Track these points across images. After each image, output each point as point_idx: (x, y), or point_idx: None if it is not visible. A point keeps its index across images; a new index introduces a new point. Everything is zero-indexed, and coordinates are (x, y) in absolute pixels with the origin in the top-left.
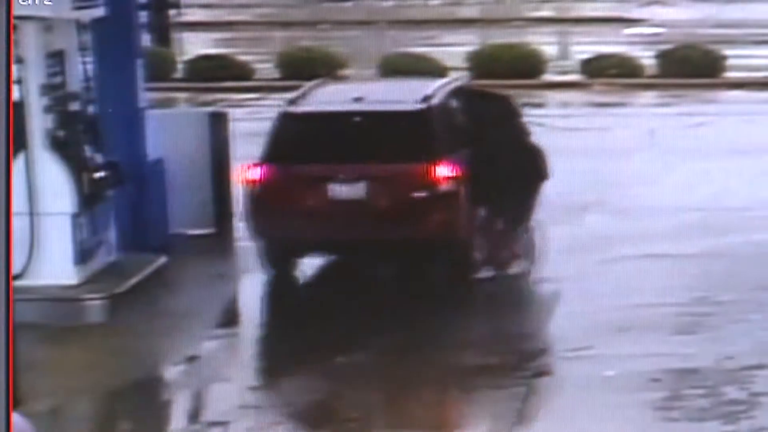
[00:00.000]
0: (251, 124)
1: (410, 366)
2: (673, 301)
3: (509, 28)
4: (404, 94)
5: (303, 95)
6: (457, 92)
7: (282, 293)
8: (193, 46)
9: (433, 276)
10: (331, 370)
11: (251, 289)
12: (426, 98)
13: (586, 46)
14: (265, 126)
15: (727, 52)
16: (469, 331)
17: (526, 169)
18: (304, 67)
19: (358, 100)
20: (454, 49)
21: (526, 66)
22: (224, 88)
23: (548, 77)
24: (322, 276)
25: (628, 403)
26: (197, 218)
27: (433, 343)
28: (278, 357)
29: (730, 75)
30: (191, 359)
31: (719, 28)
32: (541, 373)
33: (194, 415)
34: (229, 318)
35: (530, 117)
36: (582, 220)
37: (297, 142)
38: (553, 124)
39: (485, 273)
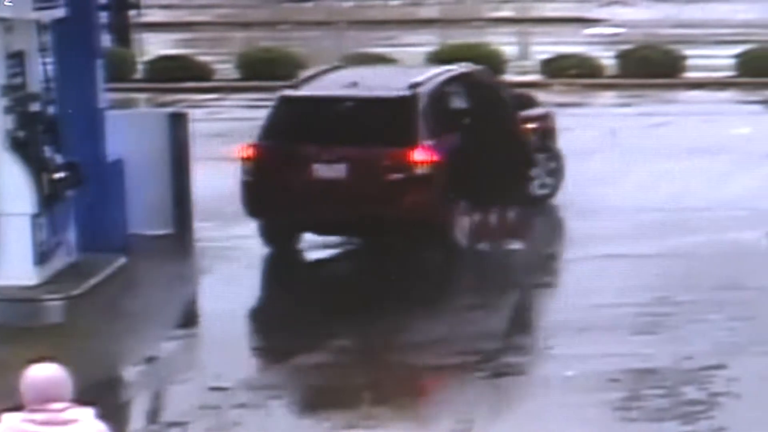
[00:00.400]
0: (211, 125)
1: (360, 364)
2: (632, 302)
3: (469, 28)
4: (397, 81)
5: (307, 80)
6: (458, 79)
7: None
8: (153, 46)
9: (406, 255)
10: (293, 369)
11: (210, 289)
12: (413, 85)
13: (546, 47)
14: (225, 126)
15: (687, 52)
16: (429, 333)
17: (513, 156)
18: (264, 68)
19: (352, 85)
20: (414, 50)
21: (486, 66)
22: (184, 89)
23: (508, 77)
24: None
25: (587, 403)
26: (156, 219)
27: (380, 347)
28: (241, 355)
29: (690, 75)
30: (150, 360)
31: (679, 28)
32: (501, 373)
33: (152, 416)
34: (188, 319)
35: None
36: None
37: (289, 123)
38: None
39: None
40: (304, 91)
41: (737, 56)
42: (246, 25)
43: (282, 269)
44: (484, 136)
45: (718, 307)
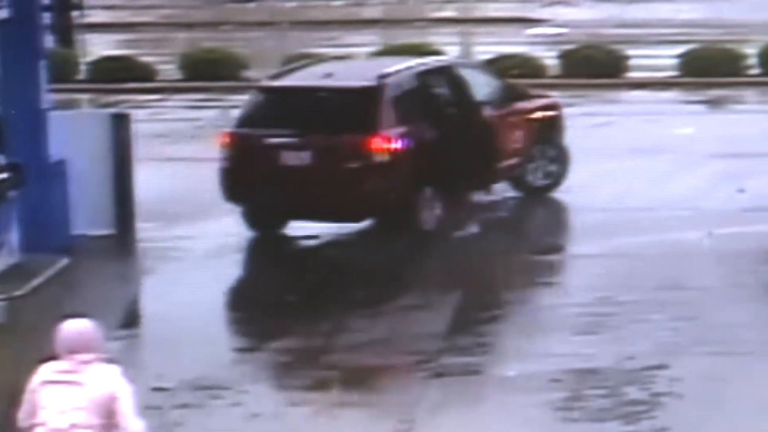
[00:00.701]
0: (154, 125)
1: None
2: (575, 302)
3: (412, 28)
4: (369, 72)
5: (288, 71)
6: (435, 71)
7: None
8: (97, 47)
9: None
10: (236, 369)
11: (152, 289)
12: (381, 76)
13: (488, 47)
14: (168, 126)
15: (630, 52)
16: (368, 333)
17: (479, 146)
18: (207, 68)
19: (326, 76)
20: (357, 50)
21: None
22: (127, 90)
23: None
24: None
25: (528, 403)
26: (99, 219)
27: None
28: (183, 356)
29: (633, 75)
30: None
31: (622, 28)
32: (442, 373)
33: None
34: (130, 319)
35: None
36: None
37: (263, 112)
38: None
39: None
40: (280, 82)
41: (680, 56)
42: (189, 26)
43: (227, 268)
44: (452, 127)
45: (661, 307)
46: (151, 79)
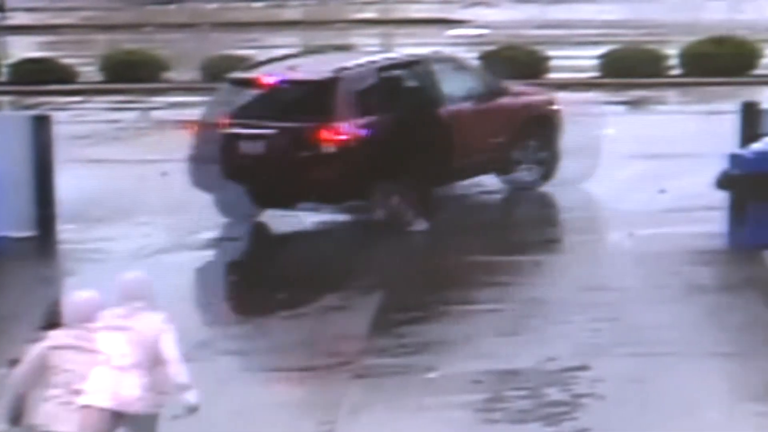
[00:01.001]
0: (75, 127)
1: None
2: (497, 303)
3: (333, 29)
4: (332, 65)
5: (259, 64)
6: (403, 65)
7: None
8: (18, 49)
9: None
10: None
11: (73, 291)
12: (339, 69)
13: (409, 48)
14: (89, 128)
15: (551, 53)
16: (289, 335)
17: (433, 138)
18: (128, 70)
19: (291, 68)
20: (278, 51)
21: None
22: (48, 92)
23: None
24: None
25: (449, 404)
26: (20, 221)
27: None
28: None
29: (554, 76)
30: (13, 362)
31: (543, 29)
32: (364, 374)
33: (15, 419)
34: (52, 320)
35: None
36: None
37: (228, 102)
38: None
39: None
40: (245, 73)
41: (601, 57)
42: (110, 28)
43: (149, 270)
44: (409, 122)
45: (582, 308)
46: (72, 81)
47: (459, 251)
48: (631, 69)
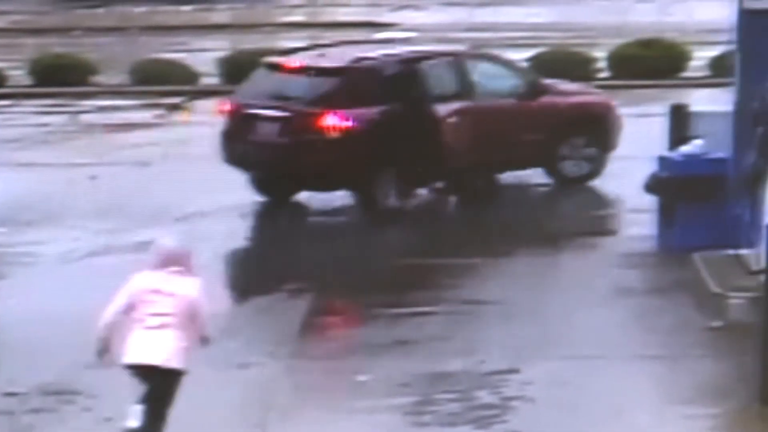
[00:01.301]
0: (4, 131)
1: None
2: (427, 306)
3: (261, 33)
4: (353, 54)
5: (295, 50)
6: (429, 59)
7: None
8: None
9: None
10: (88, 373)
11: (3, 294)
12: (356, 59)
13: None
14: (18, 132)
15: None
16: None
17: (428, 132)
18: (57, 74)
19: (319, 56)
20: (206, 54)
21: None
22: None
23: None
24: None
25: (379, 407)
26: None
27: None
28: (35, 360)
29: None
30: None
31: (470, 32)
32: (293, 376)
33: (103, 351)
34: None
35: None
36: None
37: (258, 85)
38: None
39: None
40: (278, 58)
41: (529, 59)
42: (38, 32)
43: (79, 273)
44: (409, 113)
45: (511, 311)
46: (0, 85)
47: (400, 252)
48: (559, 72)
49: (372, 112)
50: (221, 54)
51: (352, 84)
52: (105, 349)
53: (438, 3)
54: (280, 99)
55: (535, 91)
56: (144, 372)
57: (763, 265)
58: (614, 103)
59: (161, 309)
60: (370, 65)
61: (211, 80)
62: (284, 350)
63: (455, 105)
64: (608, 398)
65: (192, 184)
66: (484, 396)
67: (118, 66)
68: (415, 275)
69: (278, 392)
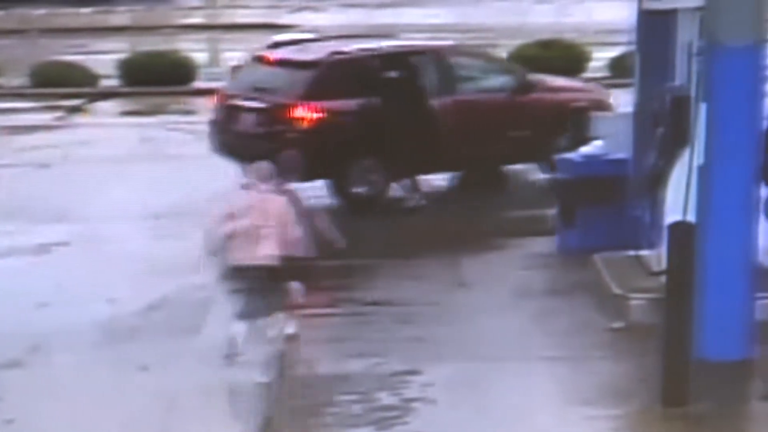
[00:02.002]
0: None
1: None
2: (326, 307)
3: (160, 35)
4: (331, 49)
5: (283, 43)
6: (411, 54)
7: None
8: None
9: None
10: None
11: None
12: (333, 53)
13: (236, 53)
14: None
15: None
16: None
17: (419, 126)
18: None
19: (300, 51)
20: (106, 57)
21: (176, 73)
22: None
23: (199, 84)
24: None
25: (281, 409)
26: None
27: None
28: None
29: None
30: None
31: (370, 33)
32: (192, 379)
33: (213, 251)
34: None
35: (182, 124)
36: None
37: (244, 77)
38: (205, 131)
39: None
40: (263, 51)
41: None
42: None
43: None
44: (396, 109)
45: (411, 312)
46: None
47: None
48: None
49: (346, 104)
50: (121, 56)
51: (325, 77)
52: (215, 252)
53: (337, 4)
54: (259, 91)
55: (524, 87)
56: (250, 271)
57: (663, 266)
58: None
59: (259, 221)
60: (344, 59)
61: (110, 82)
62: (186, 351)
63: (438, 99)
64: (510, 400)
65: (92, 185)
66: (385, 397)
67: (17, 68)
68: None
69: (180, 394)
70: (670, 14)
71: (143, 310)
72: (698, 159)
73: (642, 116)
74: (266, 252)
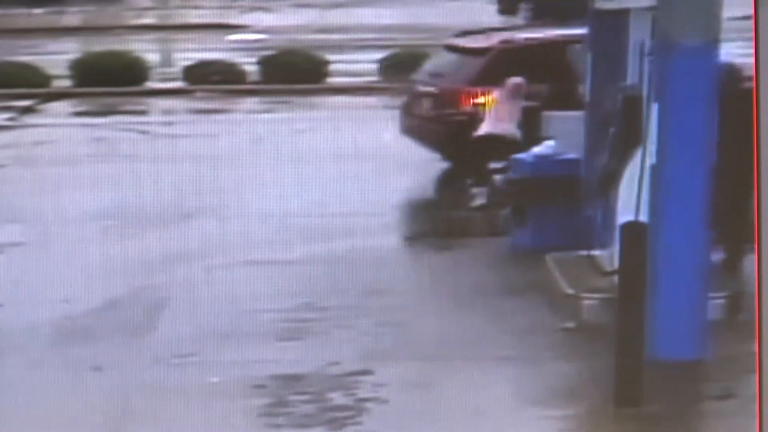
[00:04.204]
0: None
1: None
2: (277, 307)
3: (113, 35)
4: (499, 38)
5: (465, 33)
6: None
7: None
8: None
9: None
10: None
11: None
12: (502, 41)
13: (189, 53)
14: None
15: (331, 57)
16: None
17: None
18: None
19: (477, 39)
20: (58, 57)
21: (128, 73)
22: None
23: (151, 84)
24: None
25: (232, 409)
26: None
27: None
28: None
29: (333, 80)
30: None
31: (322, 34)
32: (140, 380)
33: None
34: None
35: (134, 125)
36: (186, 228)
37: (430, 65)
38: (156, 131)
39: None
40: (447, 40)
41: (380, 61)
42: None
43: None
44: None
45: (364, 313)
46: None
47: (221, 262)
48: (410, 73)
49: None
50: (73, 56)
51: (492, 64)
52: None
53: (289, 5)
54: (437, 76)
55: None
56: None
57: (615, 266)
58: None
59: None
60: (511, 47)
61: (63, 83)
62: (140, 352)
63: None
64: (463, 400)
65: (46, 186)
66: (338, 398)
67: None
68: (251, 277)
69: (133, 394)
70: (622, 14)
71: (97, 310)
72: (650, 159)
73: (594, 116)
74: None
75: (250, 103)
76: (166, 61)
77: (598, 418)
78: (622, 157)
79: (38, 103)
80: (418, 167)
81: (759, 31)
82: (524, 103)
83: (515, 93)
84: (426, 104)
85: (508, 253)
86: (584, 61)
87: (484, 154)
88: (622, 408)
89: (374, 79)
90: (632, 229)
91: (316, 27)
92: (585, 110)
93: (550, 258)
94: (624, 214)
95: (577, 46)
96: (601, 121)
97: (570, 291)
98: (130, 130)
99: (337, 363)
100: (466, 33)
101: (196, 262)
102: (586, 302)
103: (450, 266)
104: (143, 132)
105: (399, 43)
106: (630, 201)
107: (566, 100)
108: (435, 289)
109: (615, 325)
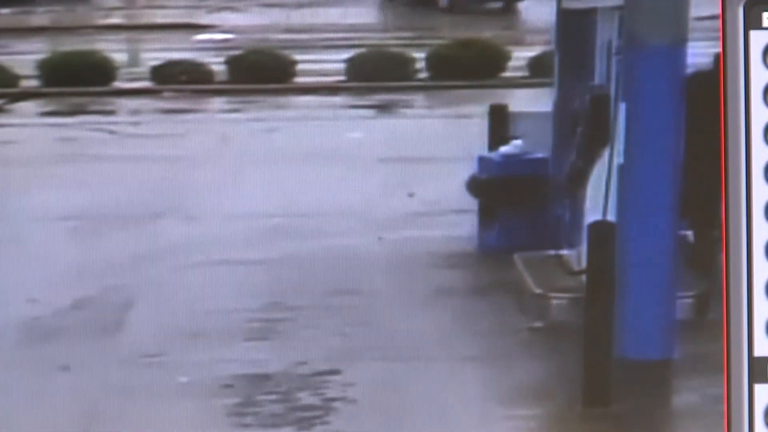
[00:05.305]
0: None
1: None
2: (245, 307)
3: (80, 35)
4: None
5: None
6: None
7: None
8: None
9: None
10: None
11: None
12: None
13: (156, 53)
14: None
15: (297, 56)
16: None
17: None
18: None
19: None
20: (26, 57)
21: (96, 73)
22: None
23: (118, 84)
24: None
25: (200, 409)
26: None
27: None
28: None
29: (301, 80)
30: None
31: (288, 33)
32: (110, 381)
33: None
34: None
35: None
36: (154, 228)
37: None
38: (124, 131)
39: None
40: None
41: (347, 60)
42: None
43: None
44: None
45: (332, 312)
46: None
47: (187, 262)
48: (377, 72)
49: None
50: (41, 56)
51: None
52: None
53: (256, 4)
54: None
55: None
56: None
57: (583, 265)
58: None
59: None
60: None
61: (31, 83)
62: (107, 352)
63: None
64: (431, 400)
65: (13, 186)
66: (306, 397)
67: None
68: (218, 277)
69: (101, 394)
70: (590, 14)
71: (64, 310)
72: (618, 158)
73: (562, 116)
74: None
75: (217, 102)
76: (134, 61)
77: (566, 418)
78: (589, 156)
79: (6, 103)
80: (386, 166)
81: (726, 31)
82: None
83: None
84: None
85: (477, 252)
86: (553, 62)
87: None
88: (590, 407)
89: (341, 78)
90: (600, 228)
91: (283, 27)
92: (553, 109)
93: (518, 257)
94: (592, 214)
95: None
96: (569, 120)
97: (538, 290)
98: (98, 130)
99: (304, 363)
100: None
101: (164, 262)
102: (554, 302)
103: (418, 265)
104: (111, 132)
105: (367, 42)
106: (598, 200)
107: None
108: (404, 288)
109: (583, 324)
